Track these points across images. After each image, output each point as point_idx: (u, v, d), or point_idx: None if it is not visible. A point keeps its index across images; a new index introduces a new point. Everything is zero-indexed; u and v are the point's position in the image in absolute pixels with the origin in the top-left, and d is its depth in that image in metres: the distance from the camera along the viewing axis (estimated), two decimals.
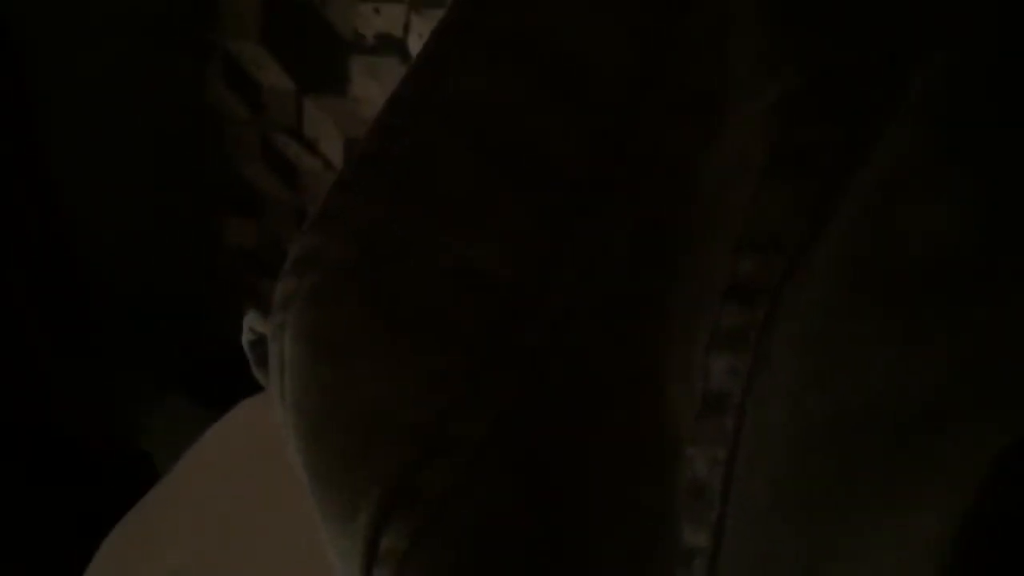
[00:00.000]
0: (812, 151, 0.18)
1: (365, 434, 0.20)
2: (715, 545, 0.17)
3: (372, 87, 0.86)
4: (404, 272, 0.21)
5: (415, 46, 0.81)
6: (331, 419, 0.21)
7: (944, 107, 0.16)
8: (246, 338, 0.25)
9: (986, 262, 0.15)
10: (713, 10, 0.21)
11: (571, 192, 0.21)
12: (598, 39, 0.22)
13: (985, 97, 0.16)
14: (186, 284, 1.11)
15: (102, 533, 0.38)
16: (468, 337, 0.21)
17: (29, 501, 0.94)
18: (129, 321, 1.03)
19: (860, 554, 0.15)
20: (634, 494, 0.20)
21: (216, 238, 1.10)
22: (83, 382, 1.00)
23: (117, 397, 1.05)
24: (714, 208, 0.20)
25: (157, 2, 0.90)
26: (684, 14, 0.21)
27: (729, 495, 0.17)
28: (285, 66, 0.90)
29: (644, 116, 0.21)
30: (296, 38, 0.87)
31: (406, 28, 0.81)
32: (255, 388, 0.38)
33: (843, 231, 0.17)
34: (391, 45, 0.82)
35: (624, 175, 0.21)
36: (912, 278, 0.15)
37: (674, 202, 0.21)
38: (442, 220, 0.22)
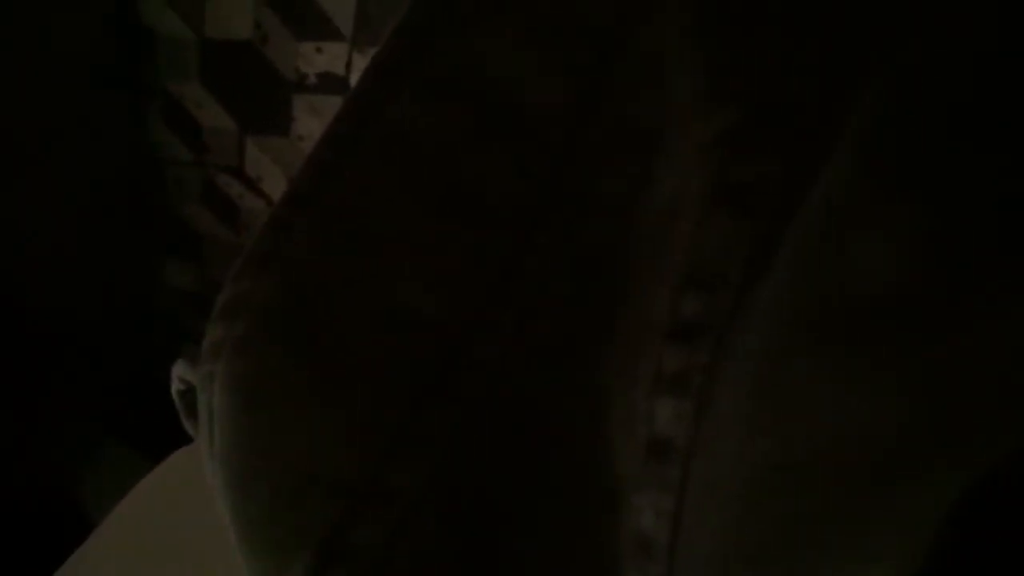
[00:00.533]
0: (753, 187, 0.17)
1: (295, 491, 0.19)
2: None
3: (315, 126, 0.85)
4: (334, 317, 0.21)
5: None
6: (260, 474, 0.20)
7: (881, 141, 0.16)
8: (175, 387, 0.24)
9: (934, 300, 0.14)
10: (652, 46, 0.21)
11: (508, 233, 0.21)
12: (535, 78, 0.22)
13: (923, 130, 0.15)
14: (126, 328, 1.09)
15: None
16: (401, 384, 0.20)
17: None
18: (67, 367, 1.00)
19: None
20: (579, 544, 0.19)
21: (157, 280, 1.07)
22: (18, 429, 0.96)
23: (55, 444, 1.02)
24: (654, 246, 0.19)
25: (96, 45, 0.89)
26: (623, 51, 0.21)
27: (676, 549, 0.17)
28: (226, 106, 0.89)
29: (582, 154, 0.21)
30: (237, 78, 0.86)
31: (348, 66, 0.81)
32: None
33: (786, 269, 0.16)
34: (334, 83, 0.82)
35: (563, 215, 0.21)
36: (858, 318, 0.15)
37: (614, 241, 0.20)
38: (374, 262, 0.21)
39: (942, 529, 0.13)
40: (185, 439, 0.39)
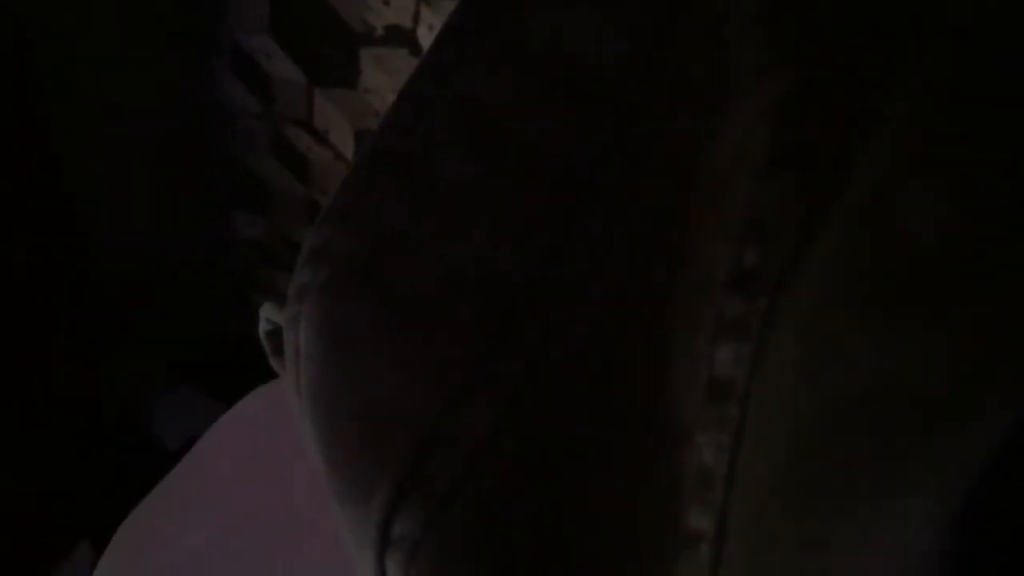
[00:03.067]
0: (811, 148, 0.18)
1: (376, 424, 0.21)
2: (720, 529, 0.18)
3: (382, 78, 0.86)
4: (411, 266, 0.22)
5: (425, 37, 0.81)
6: (345, 409, 0.21)
7: (937, 106, 0.16)
8: (262, 328, 0.26)
9: (980, 259, 0.15)
10: (711, 8, 0.21)
11: (573, 188, 0.22)
12: (598, 39, 0.23)
13: (977, 95, 0.16)
14: (196, 277, 1.12)
15: (119, 516, 0.39)
16: (472, 329, 0.21)
17: (44, 483, 0.95)
18: (140, 314, 1.04)
19: (858, 540, 0.15)
20: (643, 479, 0.20)
21: (226, 231, 1.10)
22: (94, 374, 1.00)
23: (127, 389, 1.06)
24: (715, 201, 0.20)
25: None
26: (683, 12, 0.22)
27: (734, 481, 0.18)
28: (295, 58, 0.90)
29: (643, 113, 0.22)
30: (305, 30, 0.87)
31: (415, 19, 0.81)
32: (265, 380, 0.39)
33: (841, 226, 0.17)
34: (401, 36, 0.82)
35: (625, 171, 0.22)
36: (905, 275, 0.16)
37: (674, 196, 0.21)
38: (448, 215, 0.23)
39: (982, 468, 0.14)
40: (254, 386, 0.41)
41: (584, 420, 0.21)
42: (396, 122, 0.24)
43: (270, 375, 0.30)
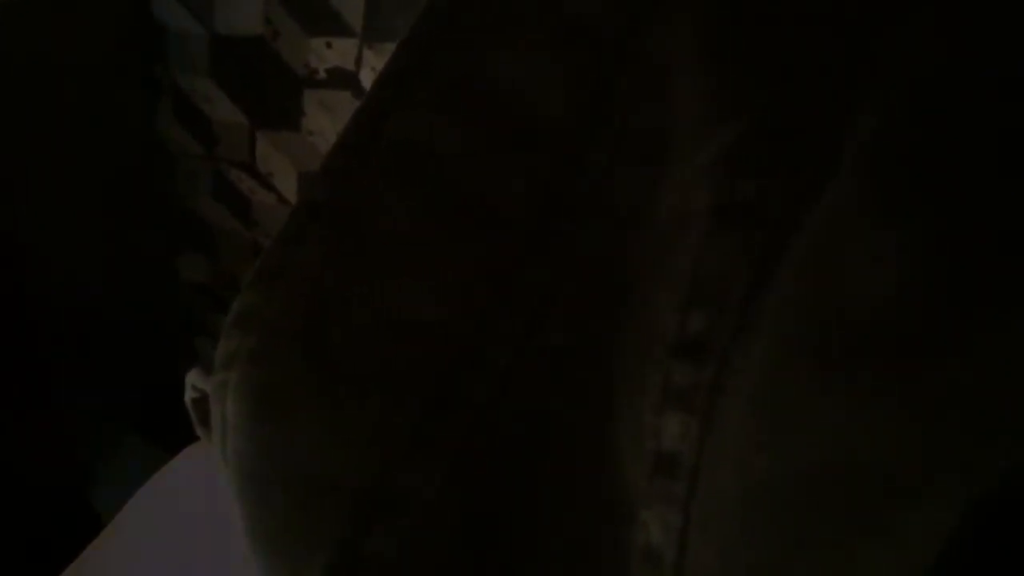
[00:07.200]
0: (755, 204, 0.18)
1: (307, 498, 0.20)
2: None
3: (325, 121, 0.85)
4: (345, 327, 0.21)
5: (368, 80, 0.81)
6: (273, 481, 0.20)
7: (881, 161, 0.16)
8: (188, 395, 0.25)
9: (933, 320, 0.14)
10: (657, 59, 0.21)
11: (517, 241, 0.21)
12: (542, 89, 0.22)
13: (922, 149, 0.16)
14: (139, 321, 1.09)
15: None
16: (412, 389, 0.20)
17: None
18: (81, 361, 1.01)
19: None
20: (588, 553, 0.19)
21: (170, 274, 1.08)
22: (32, 425, 0.97)
23: (70, 439, 1.03)
24: (658, 256, 0.20)
25: (108, 40, 0.89)
26: (630, 63, 0.21)
27: (684, 563, 0.17)
28: (236, 101, 0.89)
29: (587, 167, 0.21)
30: (247, 72, 0.86)
31: (358, 62, 0.81)
32: None
33: (788, 287, 0.16)
34: (344, 79, 0.82)
35: (569, 224, 0.21)
36: (851, 341, 0.15)
37: (618, 250, 0.21)
38: (385, 272, 0.22)
39: (943, 550, 0.13)
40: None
41: (528, 487, 0.20)
42: (329, 173, 0.23)
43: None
